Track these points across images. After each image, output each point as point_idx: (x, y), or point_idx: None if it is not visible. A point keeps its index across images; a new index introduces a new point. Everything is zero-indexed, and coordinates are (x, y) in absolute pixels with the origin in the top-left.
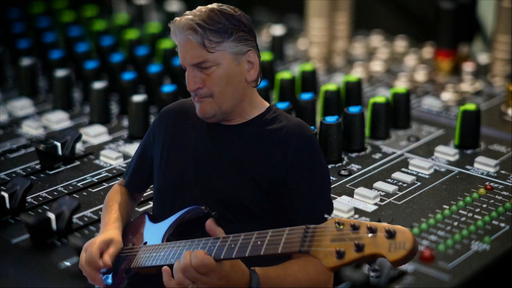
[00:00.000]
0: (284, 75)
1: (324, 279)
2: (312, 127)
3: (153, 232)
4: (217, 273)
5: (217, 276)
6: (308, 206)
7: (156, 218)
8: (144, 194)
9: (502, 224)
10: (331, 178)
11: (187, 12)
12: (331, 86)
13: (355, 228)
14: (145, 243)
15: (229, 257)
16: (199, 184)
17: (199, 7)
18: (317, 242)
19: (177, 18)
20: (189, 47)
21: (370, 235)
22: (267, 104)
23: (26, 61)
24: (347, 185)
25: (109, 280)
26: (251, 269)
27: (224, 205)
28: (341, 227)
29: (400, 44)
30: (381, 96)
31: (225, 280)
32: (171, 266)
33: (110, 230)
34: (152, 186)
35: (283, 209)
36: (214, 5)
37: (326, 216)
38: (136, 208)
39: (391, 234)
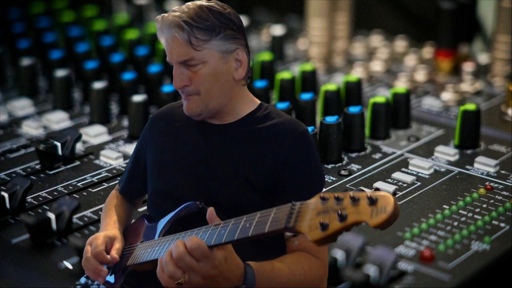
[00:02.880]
0: (284, 75)
1: (318, 274)
2: (312, 127)
3: (150, 232)
4: (210, 260)
5: (210, 264)
6: (300, 199)
7: (153, 220)
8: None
9: (502, 224)
10: (331, 178)
11: (175, 7)
12: (331, 86)
13: (338, 199)
14: (142, 242)
15: (219, 243)
16: (192, 187)
17: (187, 3)
18: (302, 217)
19: (164, 14)
20: (176, 44)
21: (353, 204)
22: (258, 102)
23: (26, 61)
24: (347, 185)
25: (108, 278)
26: (246, 263)
27: (218, 206)
28: (326, 200)
29: (400, 44)
30: (381, 96)
31: (218, 270)
32: None
33: (112, 229)
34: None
35: (276, 204)
36: (203, 2)
37: None
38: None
39: (372, 201)
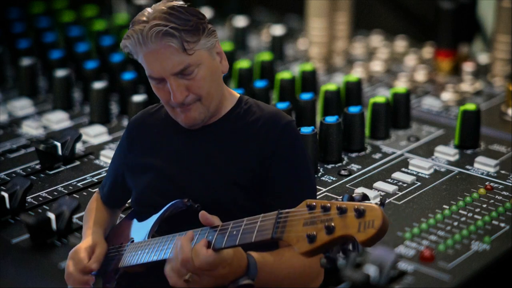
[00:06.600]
0: (284, 75)
1: (316, 268)
2: (312, 127)
3: (139, 230)
4: (219, 266)
5: (219, 269)
6: (290, 193)
7: (141, 218)
8: None
9: (502, 224)
10: (331, 178)
11: (141, 18)
12: (331, 86)
13: (325, 209)
14: (132, 240)
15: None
16: (175, 190)
17: (153, 7)
18: (290, 228)
19: (138, 27)
20: (169, 53)
21: (340, 215)
22: (237, 95)
23: (26, 61)
24: (347, 185)
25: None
26: (248, 254)
27: (204, 208)
28: (313, 209)
29: (400, 44)
30: (381, 96)
31: (228, 268)
32: (157, 263)
33: (90, 235)
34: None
35: (264, 201)
36: (170, 3)
37: None
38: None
39: (360, 213)
